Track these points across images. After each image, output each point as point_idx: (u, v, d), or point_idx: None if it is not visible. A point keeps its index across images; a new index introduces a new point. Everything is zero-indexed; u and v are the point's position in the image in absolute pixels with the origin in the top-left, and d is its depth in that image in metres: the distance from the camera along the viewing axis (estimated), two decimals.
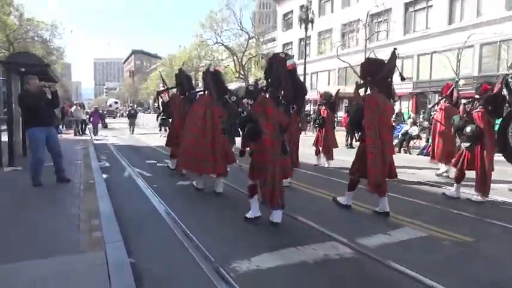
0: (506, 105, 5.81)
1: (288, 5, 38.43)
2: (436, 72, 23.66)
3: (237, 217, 4.76)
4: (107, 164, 9.38)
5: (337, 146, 9.85)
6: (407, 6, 25.77)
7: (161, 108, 9.27)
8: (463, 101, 7.03)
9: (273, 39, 40.07)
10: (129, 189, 6.62)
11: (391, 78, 5.14)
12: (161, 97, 9.56)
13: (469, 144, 5.85)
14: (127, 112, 29.74)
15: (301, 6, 36.17)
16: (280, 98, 4.48)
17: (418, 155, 12.44)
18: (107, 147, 13.63)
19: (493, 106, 5.71)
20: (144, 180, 7.26)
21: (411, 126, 13.81)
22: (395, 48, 5.26)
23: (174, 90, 8.66)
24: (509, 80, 5.46)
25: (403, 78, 5.50)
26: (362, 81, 5.21)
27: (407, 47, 25.10)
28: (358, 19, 28.10)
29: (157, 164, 9.43)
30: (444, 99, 8.14)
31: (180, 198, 6.06)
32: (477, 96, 6.15)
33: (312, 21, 25.83)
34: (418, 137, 14.14)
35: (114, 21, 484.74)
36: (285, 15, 39.65)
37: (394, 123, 16.78)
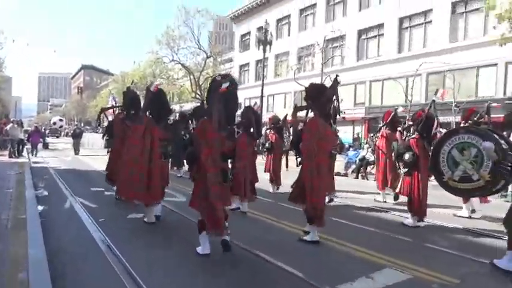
0: (440, 129, 6.28)
1: (246, 26, 38.72)
2: (388, 98, 24.57)
3: (189, 252, 4.43)
4: (45, 193, 8.22)
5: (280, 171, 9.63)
6: (360, 33, 26.79)
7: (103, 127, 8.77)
8: (399, 128, 7.31)
9: (230, 60, 40.01)
10: (69, 226, 5.66)
11: (333, 104, 5.29)
12: (105, 115, 9.16)
13: (407, 170, 6.14)
14: (72, 131, 27.69)
15: (259, 28, 36.83)
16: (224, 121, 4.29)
17: (374, 180, 12.43)
18: (46, 172, 12.23)
19: (426, 132, 6.02)
20: (88, 213, 6.31)
21: (367, 152, 13.85)
22: (337, 75, 5.38)
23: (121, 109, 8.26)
24: (434, 105, 6.08)
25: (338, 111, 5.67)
26: (303, 105, 5.31)
27: (360, 72, 26.04)
28: (314, 43, 28.86)
29: (105, 193, 8.41)
30: (385, 126, 8.32)
31: (131, 236, 5.24)
32: (410, 123, 6.52)
33: (270, 43, 25.97)
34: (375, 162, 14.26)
35: (63, 33, 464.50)
36: (242, 36, 39.84)
37: (351, 148, 17.04)
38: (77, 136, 22.48)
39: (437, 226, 6.24)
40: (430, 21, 22.41)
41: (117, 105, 8.96)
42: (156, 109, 5.72)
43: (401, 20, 24.12)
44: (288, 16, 33.76)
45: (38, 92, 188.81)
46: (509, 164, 4.10)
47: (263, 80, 26.10)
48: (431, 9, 22.15)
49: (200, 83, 31.73)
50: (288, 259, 4.22)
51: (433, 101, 6.31)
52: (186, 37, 31.52)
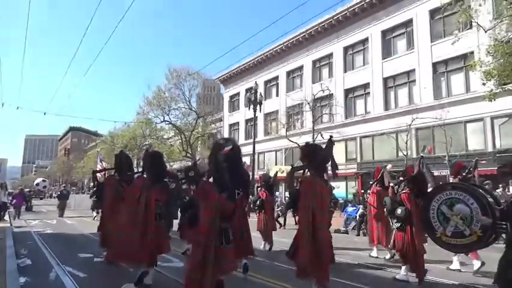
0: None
1: (235, 88, 39.93)
2: (379, 153, 24.82)
3: None
4: (28, 262, 7.50)
5: (275, 229, 9.87)
6: (347, 92, 27.73)
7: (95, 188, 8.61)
8: (391, 184, 7.46)
9: (220, 120, 40.59)
10: None
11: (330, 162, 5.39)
12: (97, 178, 9.10)
13: (399, 224, 6.16)
14: (58, 192, 26.73)
15: (248, 89, 37.93)
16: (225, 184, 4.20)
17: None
18: (29, 237, 11.41)
19: (417, 187, 6.05)
20: (78, 284, 5.67)
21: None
22: (331, 136, 5.53)
23: (112, 171, 8.12)
24: (422, 161, 6.17)
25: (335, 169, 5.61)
26: (299, 165, 5.36)
27: (349, 129, 26.54)
28: (303, 102, 29.69)
29: (95, 259, 7.74)
30: (376, 183, 8.49)
31: None
32: (401, 178, 6.65)
33: (260, 103, 26.53)
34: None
35: (52, 95, 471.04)
36: (231, 97, 40.90)
37: (349, 204, 16.73)
38: (63, 197, 21.81)
39: (432, 282, 6.10)
40: (414, 81, 23.41)
41: (108, 167, 9.23)
42: (154, 171, 5.74)
43: (385, 80, 25.17)
44: (276, 78, 35.06)
45: (24, 154, 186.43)
46: (503, 223, 4.14)
47: (254, 139, 26.28)
48: (414, 69, 23.26)
49: (191, 142, 31.67)
50: None
51: (422, 157, 6.43)
52: (177, 98, 32.07)
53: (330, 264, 4.77)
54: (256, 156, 35.28)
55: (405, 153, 20.31)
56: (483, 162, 17.66)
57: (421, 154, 6.83)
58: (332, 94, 27.72)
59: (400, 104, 24.26)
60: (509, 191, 15.11)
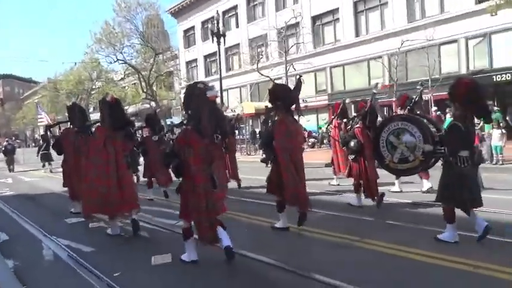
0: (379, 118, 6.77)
1: (189, 21, 36.49)
2: (350, 82, 24.28)
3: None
4: (4, 237, 6.03)
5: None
6: (314, 19, 26.17)
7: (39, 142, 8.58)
8: (344, 120, 8.14)
9: (175, 57, 37.45)
10: None
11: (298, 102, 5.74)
12: (51, 131, 9.37)
13: (353, 156, 6.67)
14: (2, 148, 23.83)
15: (205, 22, 34.88)
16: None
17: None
18: None
19: (369, 121, 6.44)
20: (88, 263, 4.44)
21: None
22: (300, 76, 5.80)
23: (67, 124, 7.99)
24: (375, 98, 6.56)
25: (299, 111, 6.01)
26: (271, 106, 5.68)
27: (319, 59, 25.45)
28: (267, 34, 27.81)
29: (90, 225, 6.40)
30: (336, 117, 8.94)
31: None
32: (354, 114, 7.10)
33: (224, 35, 24.25)
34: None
35: None
36: (186, 31, 37.54)
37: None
38: (9, 152, 20.05)
39: (388, 203, 6.68)
40: (386, 3, 22.31)
41: (62, 120, 9.24)
42: (115, 120, 5.60)
43: (356, 4, 23.84)
44: (235, 7, 32.27)
45: None
46: (441, 148, 4.69)
47: (220, 75, 24.31)
48: None
49: (151, 83, 28.96)
50: (266, 251, 4.49)
51: (374, 93, 6.74)
52: (130, 34, 28.45)
53: (303, 189, 5.35)
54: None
55: (394, 78, 19.66)
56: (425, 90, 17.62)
57: (373, 90, 6.85)
58: (298, 22, 26.00)
59: (371, 29, 23.30)
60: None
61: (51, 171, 16.56)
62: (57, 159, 10.64)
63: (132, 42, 28.96)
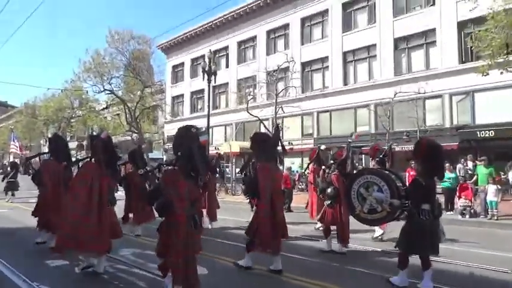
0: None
1: (179, 58, 36.91)
2: (336, 128, 24.62)
3: None
4: None
5: (218, 207, 10.15)
6: (304, 66, 26.90)
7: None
8: (311, 167, 8.86)
9: (162, 91, 37.38)
10: None
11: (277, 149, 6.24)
12: (31, 163, 9.69)
13: (329, 202, 6.97)
14: None
15: (194, 59, 35.33)
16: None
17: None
18: None
19: (345, 169, 6.93)
20: None
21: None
22: (278, 124, 6.58)
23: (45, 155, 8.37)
24: (351, 146, 7.19)
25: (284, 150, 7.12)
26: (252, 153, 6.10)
27: (306, 104, 25.86)
28: (256, 75, 28.30)
29: (76, 270, 5.67)
30: (313, 163, 9.30)
31: None
32: (331, 162, 7.52)
33: (215, 74, 24.44)
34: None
35: None
36: (174, 67, 37.82)
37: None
38: None
39: (357, 250, 7.22)
40: (374, 56, 23.27)
41: (44, 152, 9.24)
42: (105, 156, 5.67)
43: (345, 54, 24.76)
44: (226, 48, 32.98)
45: None
46: (406, 201, 5.14)
47: (209, 112, 24.17)
48: (375, 44, 23.07)
49: (136, 115, 28.44)
50: None
51: (349, 142, 7.21)
52: (120, 65, 28.25)
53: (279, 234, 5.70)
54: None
55: (382, 127, 19.91)
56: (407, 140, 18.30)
57: (349, 140, 7.67)
58: (288, 67, 26.64)
59: (359, 79, 24.08)
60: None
61: (11, 202, 15.65)
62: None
63: (121, 73, 28.67)
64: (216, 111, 32.60)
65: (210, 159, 10.00)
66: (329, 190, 6.96)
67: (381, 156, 7.58)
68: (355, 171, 6.87)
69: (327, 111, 25.25)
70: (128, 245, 7.36)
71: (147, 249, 6.82)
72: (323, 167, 8.23)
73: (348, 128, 23.83)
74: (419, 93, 18.55)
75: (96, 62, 27.65)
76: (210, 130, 33.15)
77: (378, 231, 8.01)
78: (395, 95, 19.00)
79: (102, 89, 28.75)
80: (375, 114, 22.53)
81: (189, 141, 4.45)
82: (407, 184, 5.84)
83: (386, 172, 5.95)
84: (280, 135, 6.17)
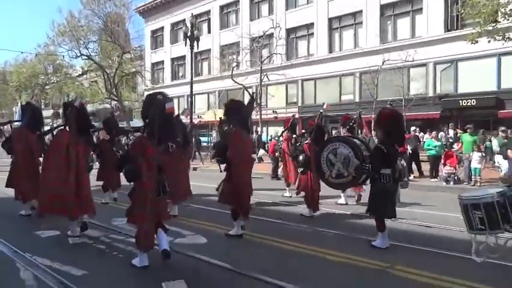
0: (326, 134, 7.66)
1: (158, 22, 35.36)
2: (321, 96, 24.51)
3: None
4: None
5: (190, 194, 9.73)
6: (289, 32, 26.29)
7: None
8: (285, 135, 9.09)
9: (141, 57, 36.00)
10: None
11: (250, 117, 6.71)
12: (1, 130, 9.22)
13: (302, 169, 7.29)
14: None
15: (175, 24, 33.94)
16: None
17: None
18: None
19: (316, 137, 7.11)
20: None
21: None
22: (253, 93, 7.05)
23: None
24: (323, 116, 7.50)
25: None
26: (225, 118, 6.18)
27: (291, 71, 25.50)
28: (239, 41, 27.55)
29: (70, 241, 5.53)
30: (287, 131, 9.45)
31: None
32: (303, 131, 7.99)
33: (198, 39, 23.61)
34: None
35: None
36: (154, 32, 36.31)
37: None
38: None
39: (329, 214, 7.62)
40: (360, 23, 22.92)
41: (16, 120, 8.82)
42: (79, 124, 5.76)
43: (330, 21, 24.28)
44: (208, 12, 31.76)
45: None
46: (367, 166, 5.45)
47: (192, 79, 23.54)
48: (361, 11, 22.67)
49: (116, 82, 27.39)
50: (220, 257, 4.77)
51: (321, 112, 7.49)
52: (96, 28, 26.70)
53: (249, 199, 5.98)
54: (183, 100, 32.72)
55: (373, 95, 19.95)
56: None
57: (321, 110, 7.78)
58: (272, 34, 26.01)
59: (345, 46, 23.80)
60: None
61: None
62: None
63: (99, 38, 27.22)
64: (198, 78, 31.77)
65: (185, 127, 9.73)
66: (300, 157, 7.29)
67: (350, 124, 7.93)
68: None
69: (312, 79, 25.03)
70: (120, 214, 7.20)
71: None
72: (294, 135, 8.71)
73: (333, 96, 23.81)
74: (407, 61, 18.49)
75: (71, 25, 26.10)
76: (193, 98, 32.74)
77: (343, 198, 8.52)
78: (383, 62, 18.87)
79: (78, 54, 27.34)
80: (360, 82, 22.49)
81: (155, 108, 4.48)
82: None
83: (354, 140, 6.34)
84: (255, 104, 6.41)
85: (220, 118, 6.39)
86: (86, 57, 28.60)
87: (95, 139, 9.23)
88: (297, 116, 10.26)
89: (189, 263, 4.67)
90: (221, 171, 5.99)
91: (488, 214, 3.89)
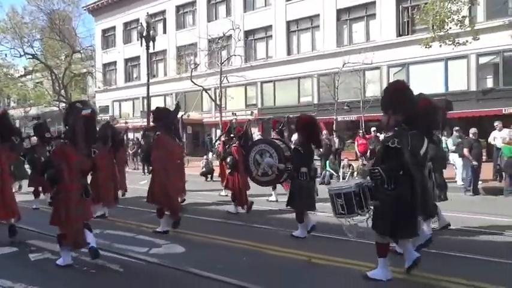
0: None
1: (110, 21, 33.84)
2: (280, 99, 24.76)
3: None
4: None
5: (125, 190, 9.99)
6: (247, 34, 26.27)
7: None
8: (222, 138, 9.73)
9: (91, 57, 34.21)
10: None
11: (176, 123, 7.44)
12: None
13: (230, 170, 8.03)
14: None
15: (127, 23, 32.66)
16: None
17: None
18: None
19: (244, 141, 7.80)
20: None
21: None
22: (178, 102, 7.50)
23: None
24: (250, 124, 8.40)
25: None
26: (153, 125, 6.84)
27: (250, 73, 25.41)
28: (196, 42, 27.07)
29: (31, 257, 5.03)
30: (224, 135, 9.96)
31: None
32: (232, 135, 8.64)
33: (154, 39, 22.83)
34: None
35: None
36: (105, 31, 34.69)
37: None
38: None
39: (260, 210, 8.12)
40: (317, 26, 23.44)
41: None
42: (3, 132, 5.91)
43: (288, 24, 24.59)
44: (163, 12, 30.93)
45: None
46: (289, 167, 6.19)
47: (148, 80, 22.71)
48: (318, 15, 23.19)
49: (65, 84, 25.67)
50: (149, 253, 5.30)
51: (249, 120, 8.72)
52: (42, 26, 24.81)
53: (178, 199, 6.72)
54: (139, 102, 31.56)
55: (333, 96, 20.26)
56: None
57: (249, 118, 9.50)
58: (231, 35, 25.84)
59: (302, 49, 24.20)
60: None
61: None
62: None
63: (44, 36, 25.36)
64: (154, 80, 30.79)
65: (118, 132, 9.84)
66: (228, 159, 7.98)
67: (279, 127, 8.53)
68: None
69: (271, 81, 25.19)
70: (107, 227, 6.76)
71: (109, 229, 6.51)
72: (222, 139, 9.61)
73: (291, 98, 24.13)
74: (365, 63, 19.16)
75: (14, 22, 24.08)
76: (146, 100, 31.63)
77: (274, 196, 9.18)
78: (343, 65, 19.39)
79: (22, 53, 25.31)
80: (318, 84, 22.99)
81: (74, 116, 4.76)
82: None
83: (278, 142, 7.01)
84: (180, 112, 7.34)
85: (151, 126, 7.21)
86: (31, 56, 26.55)
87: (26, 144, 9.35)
88: (234, 121, 10.96)
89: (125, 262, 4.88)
90: (144, 174, 6.91)
91: (347, 201, 4.49)
